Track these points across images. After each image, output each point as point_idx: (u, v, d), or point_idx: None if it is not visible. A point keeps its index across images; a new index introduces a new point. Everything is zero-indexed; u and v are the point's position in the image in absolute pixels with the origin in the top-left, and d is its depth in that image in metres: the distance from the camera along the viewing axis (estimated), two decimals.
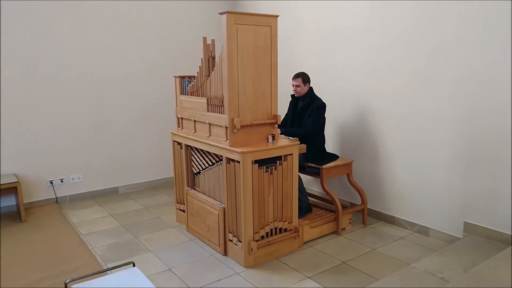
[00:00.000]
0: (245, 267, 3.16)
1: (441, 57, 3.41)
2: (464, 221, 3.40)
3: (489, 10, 3.05)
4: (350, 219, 3.96)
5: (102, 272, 2.49)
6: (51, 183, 4.78)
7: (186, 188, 3.90)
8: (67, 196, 4.89)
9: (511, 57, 2.95)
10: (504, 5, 2.95)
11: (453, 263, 2.88)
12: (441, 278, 2.67)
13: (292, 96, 4.08)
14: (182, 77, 3.90)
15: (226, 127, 3.14)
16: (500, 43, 3.01)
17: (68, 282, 2.15)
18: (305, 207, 3.74)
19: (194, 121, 3.65)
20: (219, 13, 3.04)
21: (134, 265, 2.32)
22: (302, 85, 3.88)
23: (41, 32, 4.52)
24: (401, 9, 3.68)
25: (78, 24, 4.73)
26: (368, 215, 4.12)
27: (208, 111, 3.40)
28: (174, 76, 3.97)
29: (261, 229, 3.22)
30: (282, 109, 4.21)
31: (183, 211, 4.02)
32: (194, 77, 3.73)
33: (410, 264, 2.98)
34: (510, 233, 3.10)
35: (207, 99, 3.39)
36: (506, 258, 2.64)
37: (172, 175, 4.24)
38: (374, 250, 3.47)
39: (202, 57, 3.47)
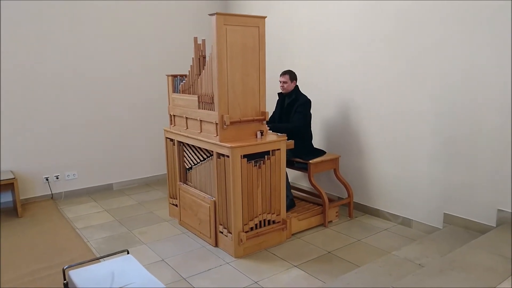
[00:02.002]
0: (235, 257, 3.31)
1: (424, 58, 3.58)
2: (444, 213, 3.58)
3: (470, 11, 3.21)
4: (337, 212, 4.12)
5: (98, 259, 2.63)
6: (47, 179, 4.89)
7: (178, 183, 4.04)
8: (62, 192, 5.01)
9: (511, 57, 3.10)
10: (485, 5, 3.11)
11: (431, 251, 3.05)
12: (419, 264, 2.83)
13: (279, 94, 4.23)
14: (174, 76, 4.03)
15: (216, 123, 3.29)
16: (480, 43, 3.18)
17: (66, 268, 2.29)
18: (289, 202, 3.89)
19: (186, 118, 3.79)
20: (209, 14, 3.18)
21: (128, 253, 2.46)
22: (289, 81, 4.04)
23: (37, 32, 4.63)
24: (387, 12, 3.83)
25: (73, 23, 4.84)
26: (354, 208, 4.28)
27: (199, 108, 3.54)
28: (166, 75, 4.11)
29: (250, 221, 3.36)
30: (272, 106, 4.37)
31: (176, 205, 4.15)
32: (186, 75, 3.87)
33: (391, 252, 3.14)
34: (486, 223, 3.28)
35: (198, 97, 3.53)
36: (479, 244, 2.81)
37: (166, 171, 4.38)
38: (358, 241, 3.63)
39: (193, 56, 3.61)
